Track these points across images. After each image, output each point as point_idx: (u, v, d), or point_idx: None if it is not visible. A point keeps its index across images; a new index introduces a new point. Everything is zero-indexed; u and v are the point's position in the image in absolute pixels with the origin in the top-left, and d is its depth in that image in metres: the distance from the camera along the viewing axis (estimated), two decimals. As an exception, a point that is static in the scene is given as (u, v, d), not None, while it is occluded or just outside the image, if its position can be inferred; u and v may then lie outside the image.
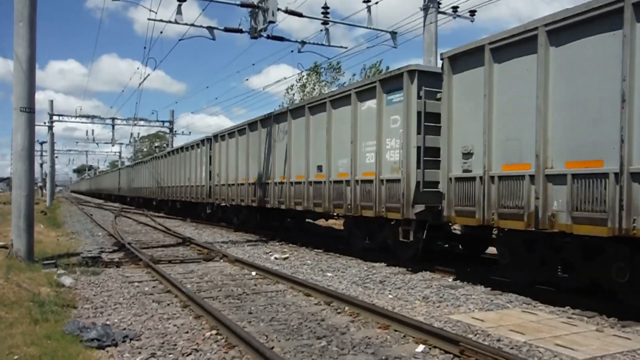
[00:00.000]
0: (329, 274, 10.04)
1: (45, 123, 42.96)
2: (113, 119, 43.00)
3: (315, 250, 13.56)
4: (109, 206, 43.71)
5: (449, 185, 8.90)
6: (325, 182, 12.62)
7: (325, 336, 5.84)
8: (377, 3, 15.77)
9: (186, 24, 14.72)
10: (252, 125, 17.46)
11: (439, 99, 9.41)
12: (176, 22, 14.57)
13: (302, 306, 7.37)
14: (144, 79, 21.56)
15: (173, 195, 28.09)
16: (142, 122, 43.03)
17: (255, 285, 9.02)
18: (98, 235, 18.16)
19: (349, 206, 11.63)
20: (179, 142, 44.06)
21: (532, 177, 7.40)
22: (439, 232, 10.54)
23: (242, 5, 14.19)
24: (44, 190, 63.44)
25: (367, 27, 16.31)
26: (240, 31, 14.83)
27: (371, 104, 11.05)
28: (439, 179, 9.29)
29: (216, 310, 6.55)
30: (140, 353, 5.24)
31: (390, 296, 8.09)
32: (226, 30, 15.23)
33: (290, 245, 14.75)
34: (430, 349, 5.37)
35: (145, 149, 79.15)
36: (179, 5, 14.51)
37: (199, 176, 23.31)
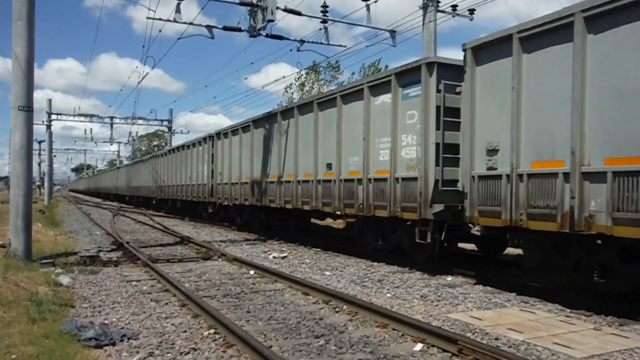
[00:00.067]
0: (328, 273, 10.04)
1: (43, 122, 42.95)
2: (111, 117, 42.99)
3: (314, 249, 13.56)
4: (107, 205, 43.68)
5: (471, 184, 8.42)
6: (335, 180, 12.19)
7: (324, 335, 5.84)
8: (376, 2, 15.74)
9: (185, 23, 14.71)
10: (256, 122, 16.99)
11: (459, 93, 9.05)
12: (175, 21, 14.55)
13: (300, 305, 7.37)
14: (143, 78, 21.70)
15: (173, 195, 27.82)
16: (140, 121, 43.03)
17: (254, 284, 9.02)
18: (96, 234, 18.15)
19: (361, 206, 11.19)
20: (177, 141, 44.00)
21: (566, 174, 6.88)
22: (457, 233, 9.97)
23: (241, 3, 14.16)
24: (42, 189, 63.37)
25: (366, 26, 16.27)
26: (239, 30, 14.80)
27: (385, 98, 10.64)
28: (458, 177, 8.96)
29: (214, 309, 6.55)
30: (138, 352, 5.24)
31: (388, 295, 8.09)
32: (225, 29, 15.20)
33: (289, 244, 14.75)
34: (428, 347, 5.38)
35: (143, 148, 79.10)
36: (178, 4, 14.49)
37: (200, 175, 22.99)
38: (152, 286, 8.75)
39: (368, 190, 11.00)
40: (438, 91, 9.36)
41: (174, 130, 45.36)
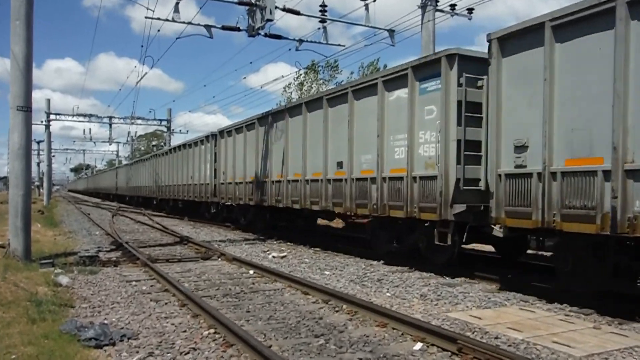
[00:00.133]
0: (327, 273, 10.04)
1: (42, 122, 42.83)
2: (110, 117, 42.97)
3: (313, 248, 13.56)
4: (106, 205, 43.67)
5: (497, 183, 7.91)
6: (346, 179, 11.71)
7: (323, 334, 5.84)
8: (374, 1, 15.74)
9: (183, 22, 14.72)
10: (262, 119, 16.48)
11: (480, 87, 8.69)
12: (173, 21, 14.55)
13: (300, 304, 7.37)
14: (141, 78, 21.58)
15: (175, 194, 27.49)
16: (139, 121, 42.95)
17: (253, 283, 9.02)
18: (95, 234, 18.14)
19: (375, 206, 10.71)
20: (176, 140, 44.01)
21: (606, 172, 6.39)
22: (478, 234, 9.43)
23: (240, 3, 14.16)
24: (41, 190, 63.27)
25: (364, 25, 16.27)
26: (238, 29, 14.80)
27: (401, 93, 10.17)
28: (481, 175, 8.66)
29: (214, 309, 6.55)
30: (138, 352, 5.24)
31: (388, 294, 8.10)
32: (224, 28, 15.19)
33: (288, 243, 14.75)
34: (428, 346, 5.38)
35: (142, 148, 79.07)
36: (177, 4, 14.50)
37: (203, 174, 22.62)
38: (151, 286, 8.75)
39: (382, 190, 10.56)
40: (459, 85, 8.86)
41: (172, 130, 45.38)
